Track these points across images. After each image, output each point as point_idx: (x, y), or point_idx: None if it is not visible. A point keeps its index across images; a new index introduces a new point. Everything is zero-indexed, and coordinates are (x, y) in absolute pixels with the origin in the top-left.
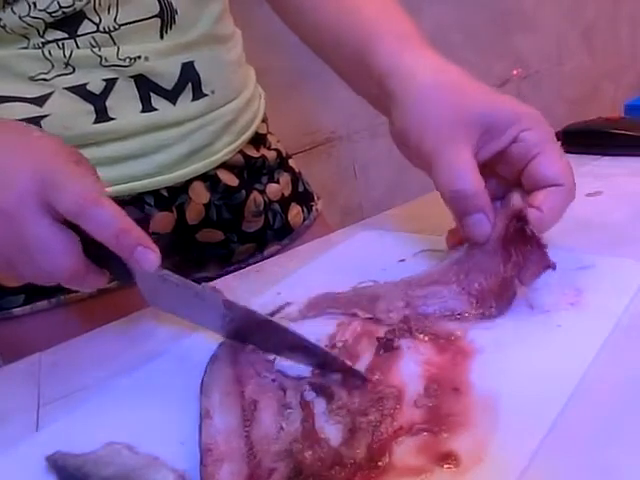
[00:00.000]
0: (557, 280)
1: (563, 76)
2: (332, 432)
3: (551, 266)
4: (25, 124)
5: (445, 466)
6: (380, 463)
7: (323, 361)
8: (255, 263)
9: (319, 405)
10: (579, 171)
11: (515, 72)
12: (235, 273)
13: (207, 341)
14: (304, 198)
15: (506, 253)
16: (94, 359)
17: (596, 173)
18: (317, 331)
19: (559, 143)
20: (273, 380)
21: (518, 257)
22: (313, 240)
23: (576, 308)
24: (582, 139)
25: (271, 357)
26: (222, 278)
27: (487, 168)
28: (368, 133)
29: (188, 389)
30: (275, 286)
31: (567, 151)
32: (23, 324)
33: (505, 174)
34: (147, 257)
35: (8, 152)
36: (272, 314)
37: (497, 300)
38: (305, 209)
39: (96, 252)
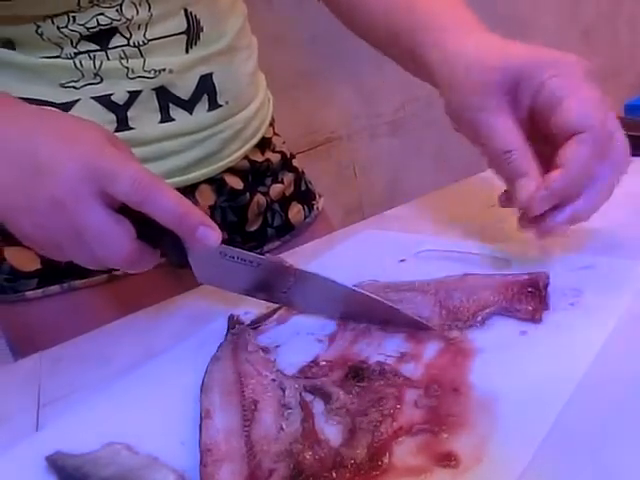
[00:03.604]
0: (557, 280)
1: None
2: (332, 432)
3: (536, 321)
4: (56, 110)
5: (445, 466)
6: (380, 463)
7: (394, 320)
8: None
9: (319, 405)
10: None
11: None
12: None
13: (207, 341)
14: (305, 197)
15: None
16: (94, 359)
17: None
18: (317, 331)
19: (594, 85)
20: (273, 380)
21: (513, 304)
22: (314, 237)
23: (576, 308)
24: None
25: (271, 357)
26: None
27: (535, 126)
28: (368, 133)
29: (188, 389)
30: None
31: None
32: (35, 307)
33: (549, 131)
34: (210, 235)
35: (49, 140)
36: (271, 314)
37: (466, 322)
38: (306, 207)
39: (149, 233)
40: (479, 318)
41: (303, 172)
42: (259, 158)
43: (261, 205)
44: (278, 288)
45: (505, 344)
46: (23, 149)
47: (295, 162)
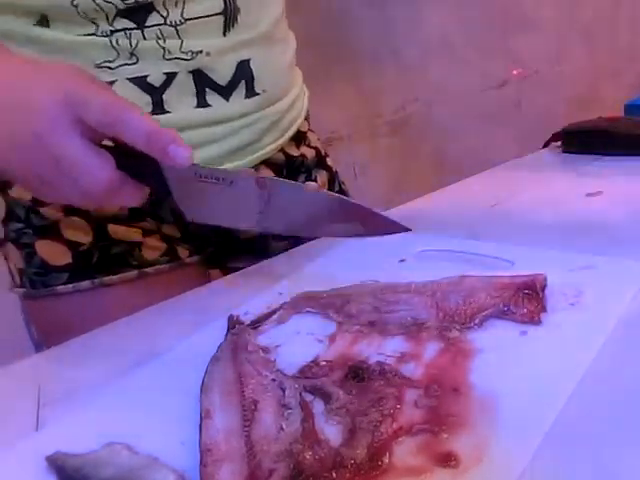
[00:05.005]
0: (557, 280)
1: (563, 76)
2: (332, 432)
3: (535, 323)
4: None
5: (445, 466)
6: (380, 463)
7: (364, 221)
8: None
9: (319, 405)
10: (579, 171)
11: (515, 72)
12: (237, 272)
13: (208, 341)
14: None
15: (502, 304)
16: (94, 359)
17: (596, 173)
18: (317, 331)
19: None
20: (273, 380)
21: (510, 307)
22: None
23: (576, 308)
24: (582, 139)
25: (271, 357)
26: (224, 277)
27: None
28: (368, 133)
29: (188, 389)
30: (277, 285)
31: (567, 151)
32: (65, 302)
33: None
34: (180, 153)
35: (25, 78)
36: (271, 314)
37: (463, 323)
38: None
39: (129, 163)
40: (476, 320)
41: (337, 172)
42: (295, 152)
43: None
44: (254, 209)
45: (505, 344)
46: (4, 89)
47: (329, 161)
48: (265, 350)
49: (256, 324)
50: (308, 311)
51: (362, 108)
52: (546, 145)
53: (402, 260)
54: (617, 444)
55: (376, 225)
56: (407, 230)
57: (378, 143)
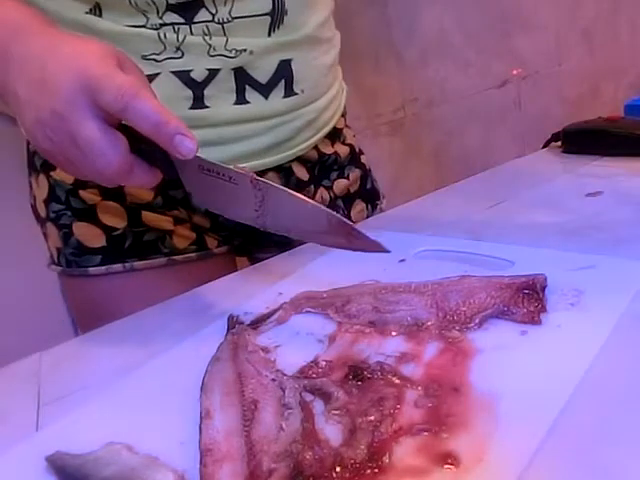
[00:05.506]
0: (557, 280)
1: (563, 76)
2: (332, 432)
3: (535, 323)
4: (74, 34)
5: (445, 466)
6: (380, 463)
7: (348, 237)
8: None
9: (319, 405)
10: (579, 171)
11: (515, 72)
12: (237, 272)
13: (208, 341)
14: (370, 196)
15: (502, 303)
16: (94, 359)
17: (596, 173)
18: (317, 331)
19: None
20: (273, 380)
21: (510, 307)
22: None
23: (576, 308)
24: (582, 139)
25: (271, 357)
26: (223, 278)
27: None
28: (368, 133)
29: (188, 389)
30: (276, 285)
31: (567, 151)
32: (97, 284)
33: None
34: (185, 144)
35: (55, 57)
36: (271, 314)
37: (463, 324)
38: (369, 207)
39: (142, 148)
40: (476, 320)
41: (370, 170)
42: (328, 150)
43: (325, 200)
44: (251, 206)
45: (505, 344)
46: (35, 67)
47: (363, 158)
48: (265, 350)
49: (256, 324)
50: (308, 311)
51: (362, 108)
52: (546, 145)
53: (402, 260)
54: (617, 444)
55: (358, 242)
56: (387, 252)
57: (378, 143)
